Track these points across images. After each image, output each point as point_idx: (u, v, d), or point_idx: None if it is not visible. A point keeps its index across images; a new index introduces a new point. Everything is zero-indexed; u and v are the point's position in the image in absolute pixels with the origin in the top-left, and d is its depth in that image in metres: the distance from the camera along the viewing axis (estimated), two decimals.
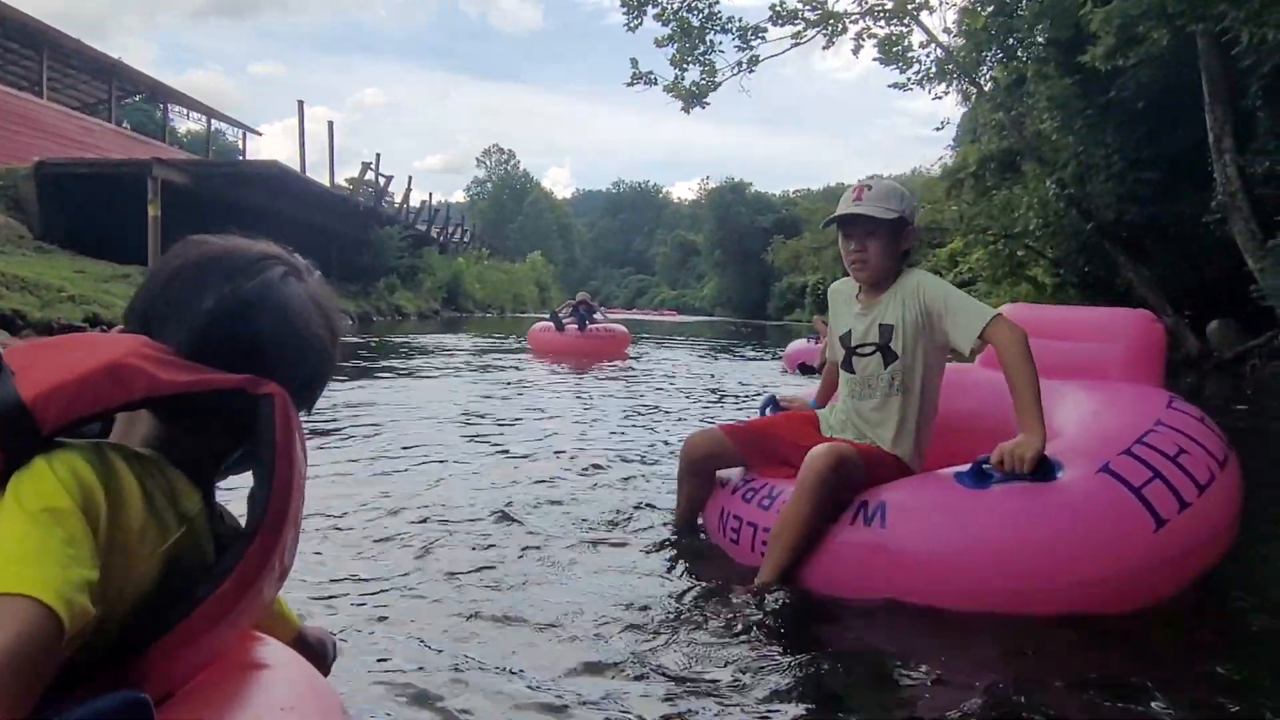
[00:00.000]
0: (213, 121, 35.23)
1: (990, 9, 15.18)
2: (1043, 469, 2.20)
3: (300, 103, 25.54)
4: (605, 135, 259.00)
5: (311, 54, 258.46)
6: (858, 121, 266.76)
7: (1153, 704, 1.76)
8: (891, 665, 1.94)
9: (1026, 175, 16.23)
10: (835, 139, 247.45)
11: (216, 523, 0.93)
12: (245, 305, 0.91)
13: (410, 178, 35.14)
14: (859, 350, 2.63)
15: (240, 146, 37.59)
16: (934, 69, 16.99)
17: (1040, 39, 14.42)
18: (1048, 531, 2.16)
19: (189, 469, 0.90)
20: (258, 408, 0.87)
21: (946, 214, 19.16)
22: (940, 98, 17.94)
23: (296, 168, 26.64)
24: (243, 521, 0.88)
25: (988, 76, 17.06)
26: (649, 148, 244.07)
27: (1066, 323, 3.34)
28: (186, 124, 37.72)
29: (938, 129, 39.24)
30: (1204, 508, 2.27)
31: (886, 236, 2.53)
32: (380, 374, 8.95)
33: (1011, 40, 15.18)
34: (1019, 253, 17.84)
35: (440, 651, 1.92)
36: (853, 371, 2.67)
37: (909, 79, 17.15)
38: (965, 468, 2.30)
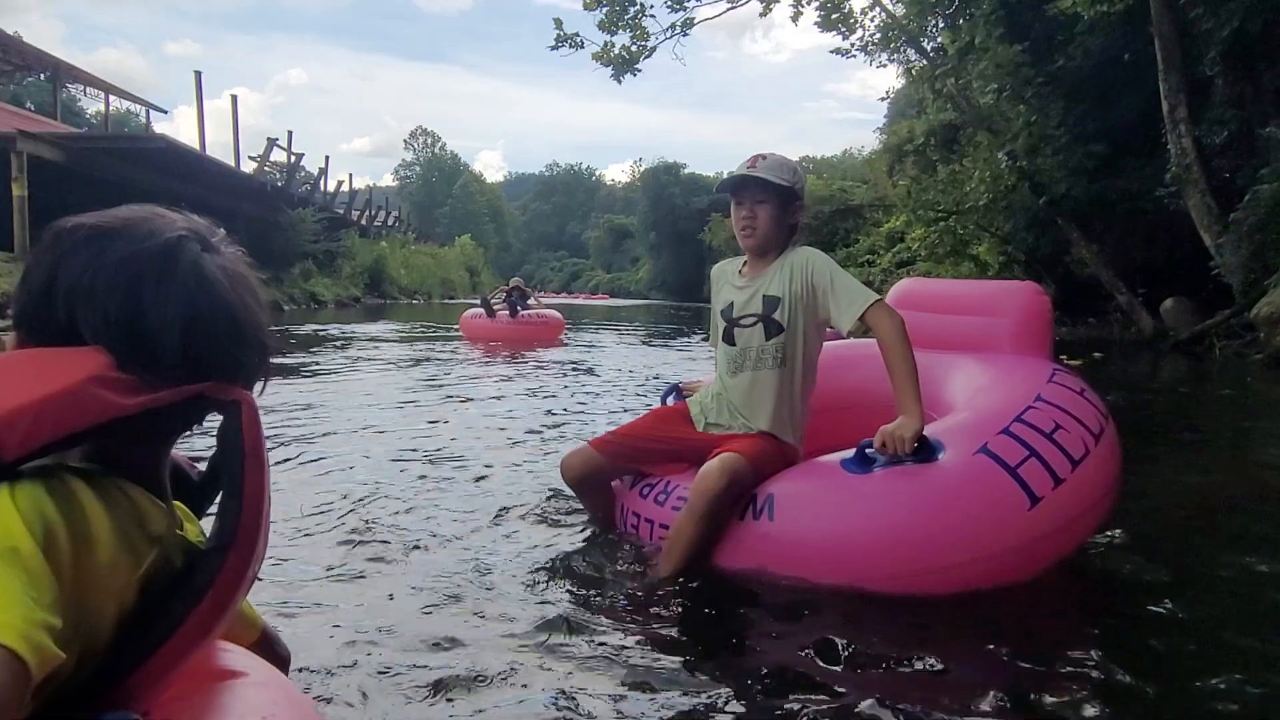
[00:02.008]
0: (125, 103, 32.84)
1: None
2: (924, 450, 2.25)
3: (198, 74, 23.45)
4: (537, 117, 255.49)
5: (229, 33, 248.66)
6: (788, 104, 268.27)
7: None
8: (793, 652, 1.96)
9: (977, 147, 15.40)
10: (766, 122, 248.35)
11: (178, 527, 0.89)
12: (168, 307, 0.81)
13: (327, 157, 33.15)
14: (740, 322, 2.64)
15: (150, 128, 34.82)
16: (877, 35, 16.02)
17: (986, 3, 13.52)
18: (925, 513, 2.22)
19: (136, 474, 0.84)
20: (224, 415, 0.85)
21: (890, 191, 18.28)
22: (884, 65, 17.02)
23: (219, 149, 24.72)
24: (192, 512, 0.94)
25: (934, 43, 16.19)
26: (582, 130, 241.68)
27: (957, 297, 3.37)
28: (96, 105, 34.89)
29: (882, 98, 38.13)
30: (1078, 482, 2.35)
31: (776, 205, 2.58)
32: (294, 369, 7.95)
33: (959, 3, 14.26)
34: (961, 230, 17.07)
35: (376, 648, 1.91)
36: (733, 344, 2.66)
37: (851, 45, 16.16)
38: (850, 453, 2.35)
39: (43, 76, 30.41)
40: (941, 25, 16.49)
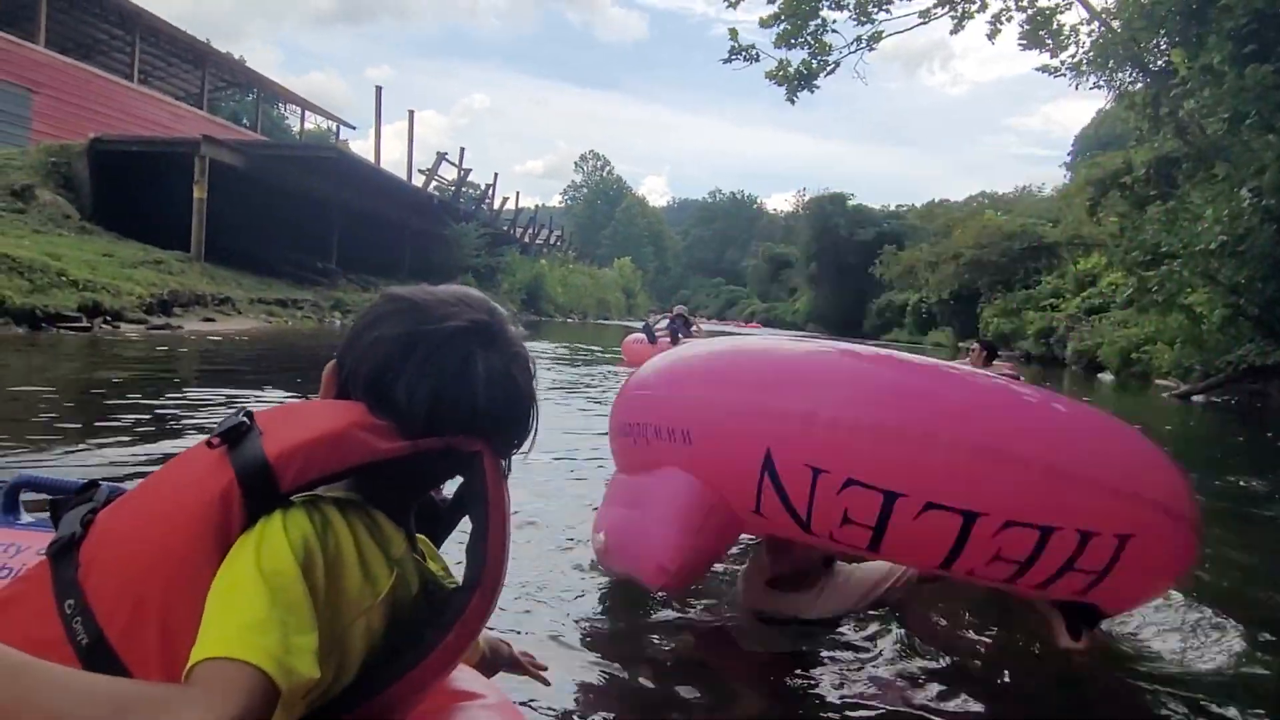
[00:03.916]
0: (324, 121, 34.67)
1: None
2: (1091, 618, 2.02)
3: (378, 89, 24.19)
4: (702, 145, 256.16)
5: (421, 59, 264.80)
6: (964, 138, 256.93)
7: None
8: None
9: (1213, 180, 13.14)
10: (940, 154, 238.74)
11: (417, 555, 0.98)
12: (439, 390, 0.91)
13: (495, 175, 33.64)
14: None
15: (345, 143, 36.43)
16: (1091, 54, 14.08)
17: (1243, 16, 11.38)
18: None
19: (388, 508, 0.94)
20: (465, 465, 0.95)
21: (1093, 229, 16.05)
22: (1099, 87, 14.96)
23: (400, 170, 25.42)
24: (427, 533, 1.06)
25: (1160, 62, 14.06)
26: (745, 158, 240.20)
27: None
28: (303, 123, 37.12)
29: (1106, 108, 34.12)
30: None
31: None
32: None
33: (1209, 14, 12.13)
34: (1181, 275, 14.67)
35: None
36: None
37: (1061, 63, 14.28)
38: None
39: (258, 95, 32.48)
40: (1167, 44, 14.35)
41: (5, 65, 18.08)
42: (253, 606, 0.74)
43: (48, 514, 0.99)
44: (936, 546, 1.77)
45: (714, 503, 2.03)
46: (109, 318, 10.59)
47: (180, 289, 12.94)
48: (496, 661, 1.31)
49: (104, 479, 0.99)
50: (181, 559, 0.80)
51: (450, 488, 1.05)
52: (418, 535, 1.01)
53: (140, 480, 0.91)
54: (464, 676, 1.09)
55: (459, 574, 0.99)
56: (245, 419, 0.86)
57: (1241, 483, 5.57)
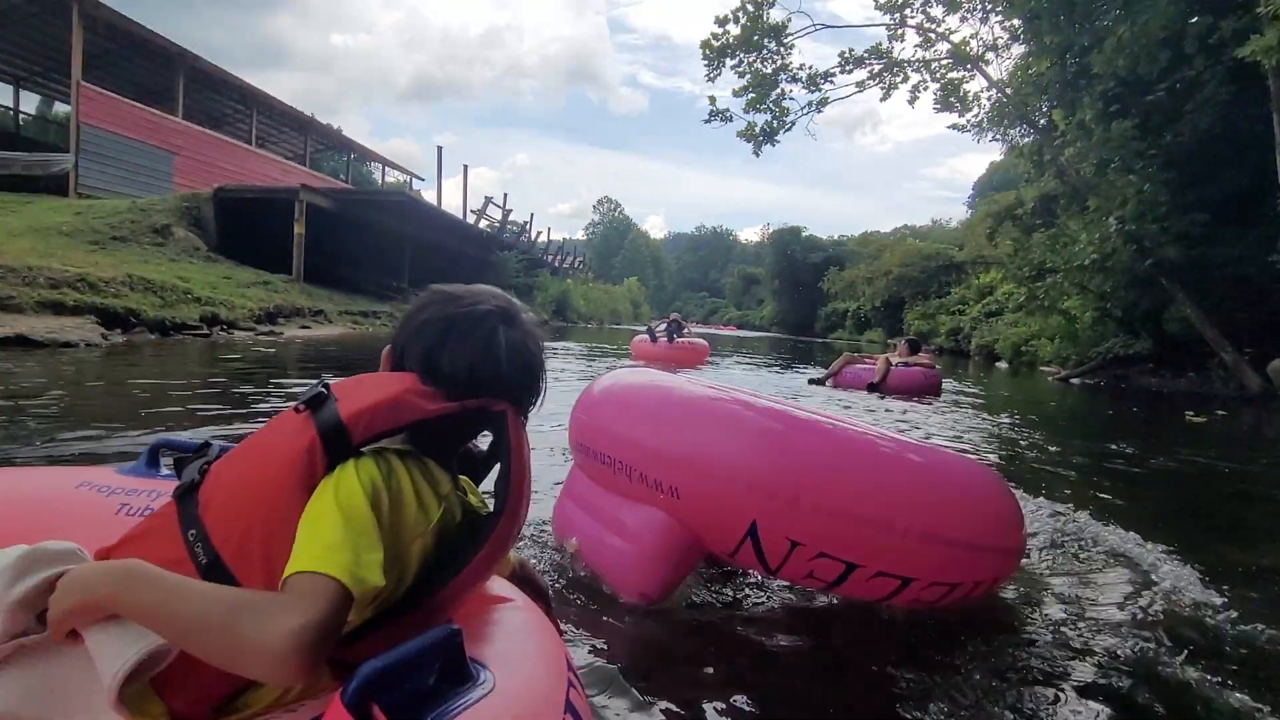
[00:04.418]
0: (402, 175, 34.30)
1: (1056, 52, 11.84)
2: None
3: (439, 148, 23.94)
4: (691, 190, 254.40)
5: (478, 128, 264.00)
6: (889, 184, 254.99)
7: None
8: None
9: (1087, 211, 12.83)
10: (872, 197, 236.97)
11: (460, 491, 0.95)
12: (474, 359, 0.90)
13: (532, 214, 33.34)
14: None
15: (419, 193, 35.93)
16: (990, 115, 13.74)
17: (1111, 80, 11.04)
18: None
19: (437, 456, 0.92)
20: (494, 421, 0.91)
21: (991, 251, 15.72)
22: (998, 139, 14.65)
23: (457, 211, 25.22)
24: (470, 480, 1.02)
25: (1044, 120, 13.71)
26: (723, 201, 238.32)
27: None
28: (384, 176, 36.61)
29: (997, 160, 33.80)
30: None
31: None
32: None
33: (1082, 82, 11.80)
34: (1060, 286, 14.33)
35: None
36: None
37: (967, 122, 13.96)
38: None
39: (352, 156, 32.19)
40: (1049, 106, 14.00)
41: (154, 133, 17.90)
42: (332, 532, 0.74)
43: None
44: (878, 594, 1.77)
45: (693, 542, 1.83)
46: (225, 326, 10.39)
47: (284, 303, 12.73)
48: (525, 574, 1.24)
49: (215, 439, 0.97)
50: (277, 497, 0.79)
51: (483, 443, 1.02)
52: (460, 476, 0.98)
53: (243, 439, 0.89)
54: (498, 585, 1.07)
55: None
56: (324, 389, 0.85)
57: (1113, 446, 5.40)
